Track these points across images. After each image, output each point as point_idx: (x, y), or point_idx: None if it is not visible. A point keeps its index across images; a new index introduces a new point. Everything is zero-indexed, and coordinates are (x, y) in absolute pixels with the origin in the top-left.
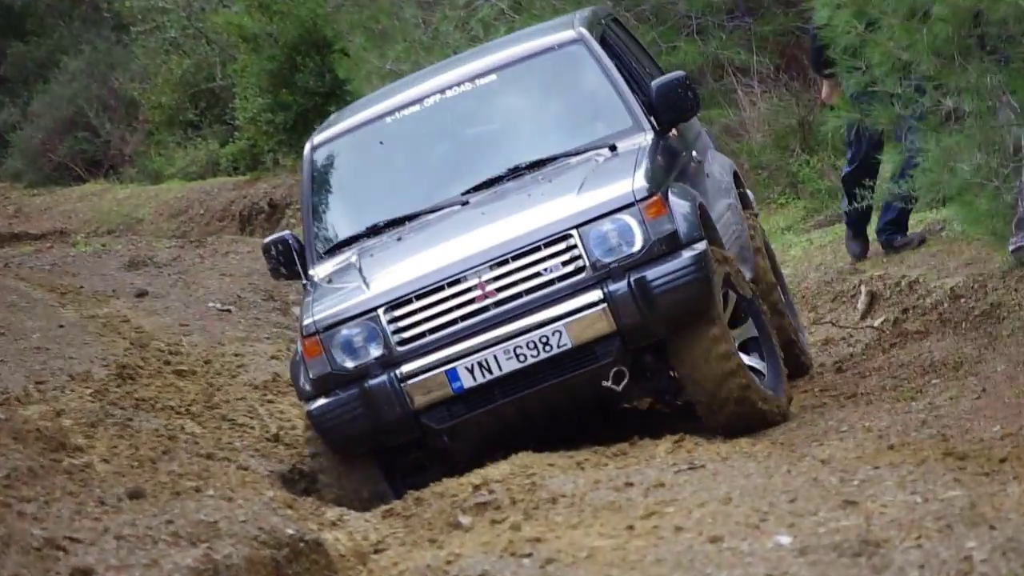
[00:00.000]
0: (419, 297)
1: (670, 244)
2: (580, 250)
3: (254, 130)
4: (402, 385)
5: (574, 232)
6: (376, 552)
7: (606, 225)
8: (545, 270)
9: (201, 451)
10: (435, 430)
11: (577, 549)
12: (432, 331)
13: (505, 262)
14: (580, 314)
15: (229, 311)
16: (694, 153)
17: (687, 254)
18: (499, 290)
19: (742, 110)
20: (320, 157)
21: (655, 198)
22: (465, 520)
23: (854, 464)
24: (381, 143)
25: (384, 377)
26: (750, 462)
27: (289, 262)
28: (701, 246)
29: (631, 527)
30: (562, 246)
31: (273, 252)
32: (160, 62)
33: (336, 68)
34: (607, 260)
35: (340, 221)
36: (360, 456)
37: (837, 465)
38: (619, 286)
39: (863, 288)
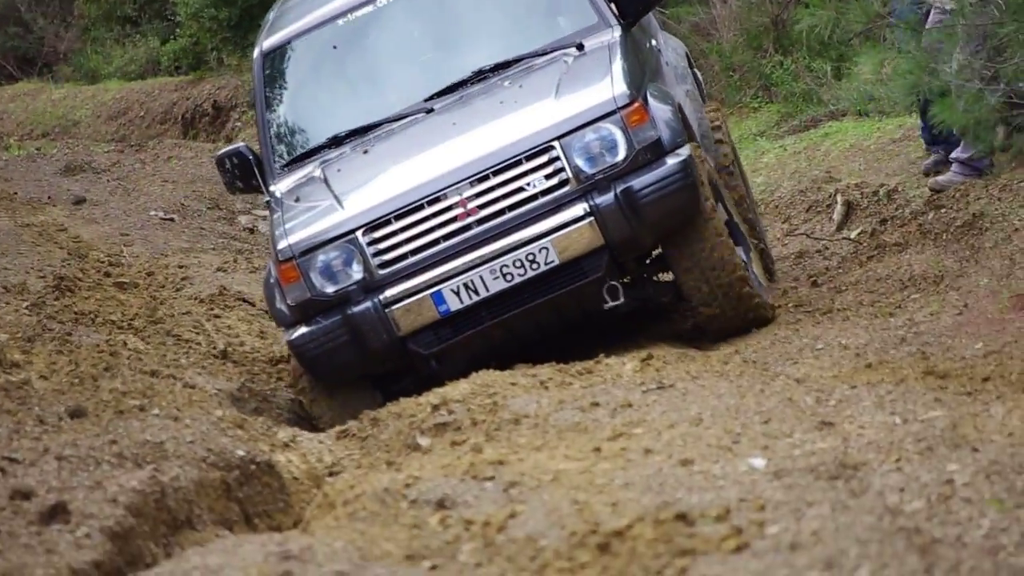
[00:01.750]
0: (398, 217)
1: (654, 152)
2: (563, 162)
3: (196, 27)
4: (387, 311)
5: (556, 144)
6: (331, 475)
7: (588, 135)
8: (528, 184)
9: (145, 368)
10: (422, 355)
11: (541, 472)
12: (414, 252)
13: (486, 178)
14: (566, 229)
15: (172, 220)
16: (653, 42)
17: (672, 161)
18: (481, 207)
19: (712, 7)
20: (271, 64)
21: (636, 104)
22: (424, 441)
23: (830, 383)
24: (335, 47)
25: (368, 303)
26: (721, 381)
27: (246, 176)
28: (685, 151)
29: (598, 449)
30: (544, 159)
31: (228, 165)
32: None
33: None
34: (591, 171)
35: (298, 132)
36: (352, 383)
37: (812, 384)
38: (605, 198)
39: (839, 197)
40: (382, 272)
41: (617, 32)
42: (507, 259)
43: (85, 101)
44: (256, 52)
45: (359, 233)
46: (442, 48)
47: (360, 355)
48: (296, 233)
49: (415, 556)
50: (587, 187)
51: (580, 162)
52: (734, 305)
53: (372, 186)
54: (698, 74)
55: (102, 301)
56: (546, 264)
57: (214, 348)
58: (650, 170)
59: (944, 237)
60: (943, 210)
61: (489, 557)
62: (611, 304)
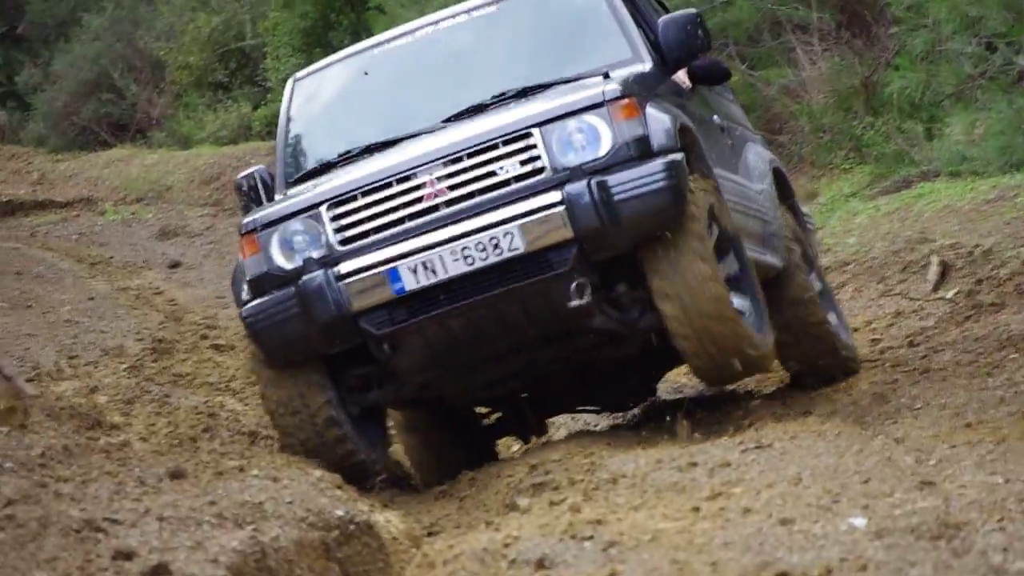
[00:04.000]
0: (365, 194)
1: (640, 150)
2: (540, 150)
3: None
4: (339, 284)
5: (535, 131)
6: (430, 535)
7: (570, 124)
8: (501, 169)
9: (243, 429)
10: (375, 336)
11: (640, 532)
12: (377, 230)
13: (459, 159)
14: (534, 216)
15: None
16: (715, 118)
17: (656, 161)
18: (451, 188)
19: (801, 69)
20: (301, 88)
21: (628, 100)
22: (523, 501)
23: (930, 443)
24: (366, 73)
25: (320, 274)
26: (819, 441)
27: (260, 197)
28: (675, 156)
29: (696, 508)
30: (521, 144)
31: (244, 188)
32: (187, 19)
33: (372, 26)
34: (568, 162)
35: (313, 150)
36: (305, 366)
37: (912, 444)
38: (578, 189)
39: (934, 258)
40: (342, 249)
41: (648, 66)
42: (470, 241)
43: (178, 166)
44: (290, 80)
45: (323, 208)
46: (471, 75)
47: (310, 330)
48: (263, 211)
49: None
50: (562, 177)
51: (558, 151)
52: (716, 341)
53: (348, 172)
54: (805, 211)
55: (199, 363)
56: (510, 250)
57: None
58: (632, 167)
59: None
60: None
61: None
62: (576, 303)
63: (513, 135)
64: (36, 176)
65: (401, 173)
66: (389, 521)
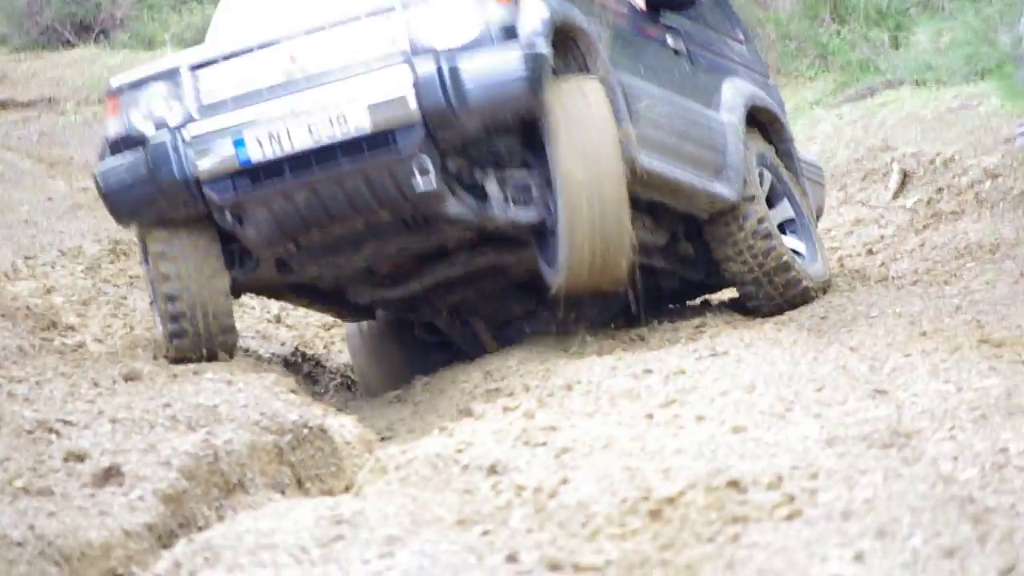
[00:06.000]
0: (227, 59)
1: (505, 38)
2: (403, 28)
3: None
4: (186, 146)
5: (399, 9)
6: (383, 440)
7: (436, 4)
8: (361, 45)
9: None
10: (218, 204)
11: (593, 438)
12: (234, 98)
13: (322, 30)
14: (382, 93)
15: None
16: (669, 39)
17: (515, 49)
18: (309, 60)
19: None
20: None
21: None
22: (477, 407)
23: (884, 351)
24: None
25: (168, 136)
26: (775, 349)
27: None
28: (542, 46)
29: (650, 416)
30: (384, 21)
31: None
32: None
33: None
34: (428, 43)
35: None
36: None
37: (867, 352)
38: (429, 70)
39: (895, 166)
40: (199, 115)
41: None
42: (317, 115)
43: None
44: None
45: (184, 69)
46: None
47: (156, 191)
48: (128, 74)
49: (466, 521)
50: (417, 57)
51: (419, 32)
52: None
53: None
54: (792, 150)
55: None
56: (356, 127)
57: (267, 313)
58: (489, 53)
59: (1001, 206)
60: (999, 178)
61: (540, 523)
62: (422, 188)
63: (377, 12)
64: None
65: (265, 42)
66: (343, 425)
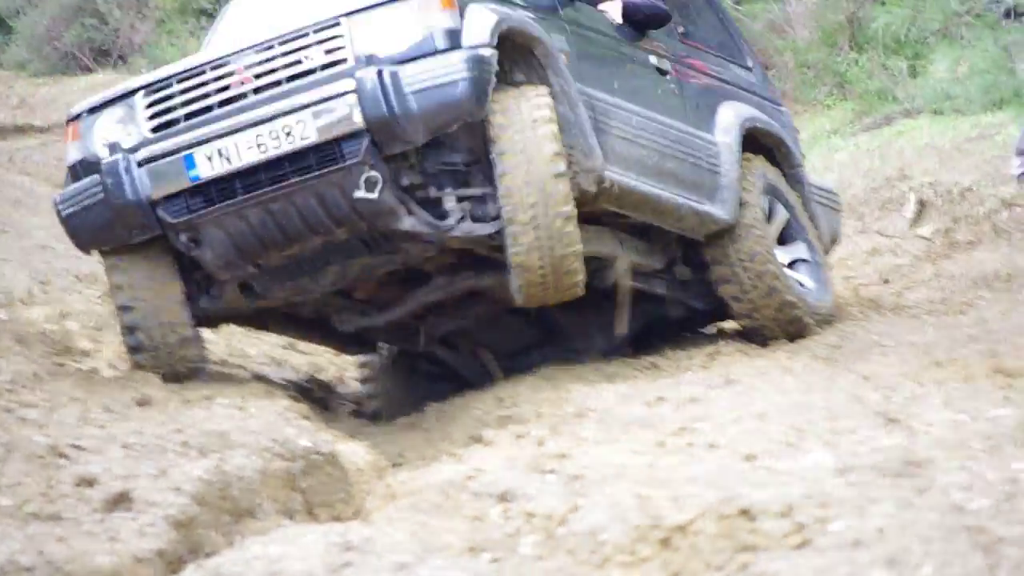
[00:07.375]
0: (180, 81)
1: (449, 44)
2: (347, 39)
3: None
4: (139, 170)
5: (344, 20)
6: (394, 466)
7: (378, 14)
8: (307, 58)
9: (212, 358)
10: (172, 225)
11: (605, 465)
12: (186, 117)
13: (270, 47)
14: (326, 103)
15: None
16: (652, 59)
17: (458, 54)
18: (258, 77)
19: (787, 4)
20: (224, 13)
21: None
22: (488, 434)
23: (898, 380)
24: None
25: (122, 159)
26: (787, 377)
27: None
28: (485, 52)
29: (662, 443)
30: (329, 34)
31: None
32: None
33: None
34: (371, 52)
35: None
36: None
37: (880, 381)
38: (371, 78)
39: (912, 195)
40: (152, 137)
41: None
42: (264, 129)
43: None
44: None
45: (139, 95)
46: None
47: (112, 215)
48: (87, 100)
49: (476, 548)
50: (361, 67)
51: (363, 41)
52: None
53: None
54: (801, 175)
55: None
56: (302, 139)
57: (281, 339)
58: (432, 60)
59: (1017, 236)
60: (1016, 209)
61: (550, 550)
62: (364, 195)
63: (323, 25)
64: (16, 100)
65: (215, 61)
66: (354, 452)
